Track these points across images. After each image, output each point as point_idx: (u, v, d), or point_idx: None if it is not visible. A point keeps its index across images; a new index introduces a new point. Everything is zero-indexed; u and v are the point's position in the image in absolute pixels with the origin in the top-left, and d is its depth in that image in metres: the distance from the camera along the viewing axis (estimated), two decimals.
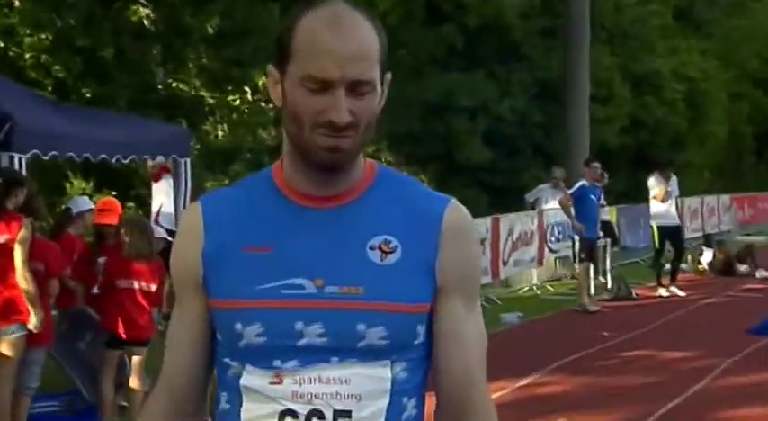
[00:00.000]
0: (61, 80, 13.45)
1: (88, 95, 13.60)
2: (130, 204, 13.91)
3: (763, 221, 25.76)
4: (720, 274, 16.12)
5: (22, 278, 6.03)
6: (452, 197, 1.89)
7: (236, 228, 1.82)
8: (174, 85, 14.78)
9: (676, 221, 14.17)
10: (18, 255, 6.04)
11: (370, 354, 1.77)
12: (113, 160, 8.82)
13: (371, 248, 1.79)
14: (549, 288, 14.58)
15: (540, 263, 15.11)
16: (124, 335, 6.59)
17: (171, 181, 9.92)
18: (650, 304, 13.26)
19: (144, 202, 12.68)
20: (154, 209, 10.96)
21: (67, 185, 13.76)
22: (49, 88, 13.29)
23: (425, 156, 20.34)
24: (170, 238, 8.90)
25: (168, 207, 10.13)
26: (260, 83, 17.04)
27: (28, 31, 13.06)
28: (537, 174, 20.36)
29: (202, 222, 1.85)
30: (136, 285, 6.64)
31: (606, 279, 14.54)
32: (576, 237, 12.92)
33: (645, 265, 17.02)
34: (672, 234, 14.01)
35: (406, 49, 20.44)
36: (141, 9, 14.42)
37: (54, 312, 6.97)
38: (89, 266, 7.01)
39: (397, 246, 1.80)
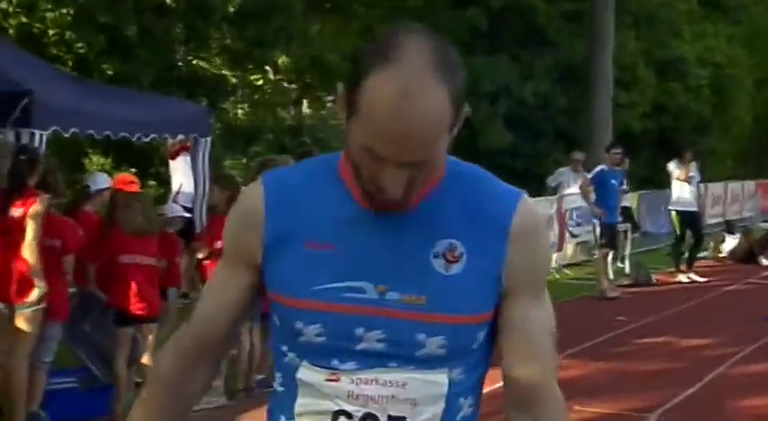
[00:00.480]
0: (83, 56, 13.47)
1: (110, 72, 13.62)
2: (151, 182, 13.95)
3: None
4: (741, 262, 16.01)
5: (27, 250, 6.03)
6: (523, 193, 1.82)
7: (299, 218, 1.77)
8: (195, 63, 14.80)
9: (694, 207, 14.08)
10: (28, 228, 6.03)
11: (429, 362, 1.75)
12: (134, 138, 8.83)
13: (435, 256, 1.74)
14: (568, 272, 14.52)
15: (560, 248, 15.04)
16: (131, 312, 6.60)
17: (188, 159, 9.92)
18: (669, 290, 13.19)
19: (164, 181, 12.71)
20: (174, 187, 10.98)
21: (86, 161, 13.80)
22: (70, 64, 13.31)
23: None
24: (188, 215, 8.94)
25: (188, 186, 10.14)
26: (280, 62, 17.03)
27: (49, 7, 13.07)
28: (559, 158, 20.25)
29: (264, 207, 1.79)
30: (138, 260, 6.64)
31: (626, 264, 14.47)
32: (597, 222, 12.87)
33: (665, 251, 16.94)
34: (690, 220, 13.93)
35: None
36: None
37: (72, 289, 6.98)
38: (101, 242, 7.00)
39: (462, 254, 1.74)
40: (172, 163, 10.96)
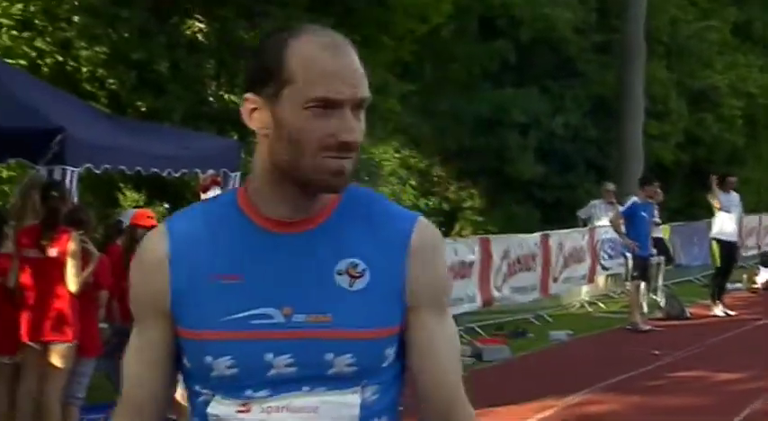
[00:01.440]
0: (115, 93, 13.61)
1: (143, 109, 13.75)
2: None
3: None
4: None
5: (74, 285, 6.10)
6: (419, 214, 1.88)
7: (204, 254, 1.79)
8: (225, 98, 14.89)
9: (733, 238, 13.96)
10: (69, 266, 6.11)
11: (339, 382, 1.76)
12: (164, 173, 8.89)
13: (339, 273, 1.77)
14: (601, 305, 14.41)
15: (591, 280, 14.95)
16: None
17: (219, 193, 9.99)
18: (703, 324, 13.05)
19: None
20: None
21: (120, 197, 13.91)
22: (104, 101, 13.45)
23: (477, 170, 20.27)
24: None
25: None
26: None
27: (83, 45, 13.24)
28: (590, 189, 20.19)
29: (168, 251, 1.80)
30: None
31: (659, 297, 14.35)
32: (629, 255, 12.78)
33: (699, 284, 16.78)
34: (727, 250, 13.82)
35: (458, 63, 20.42)
36: (196, 23, 14.55)
37: (104, 325, 7.02)
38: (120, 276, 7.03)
39: (365, 270, 1.77)
40: (203, 196, 11.03)
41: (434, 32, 17.26)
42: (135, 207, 12.31)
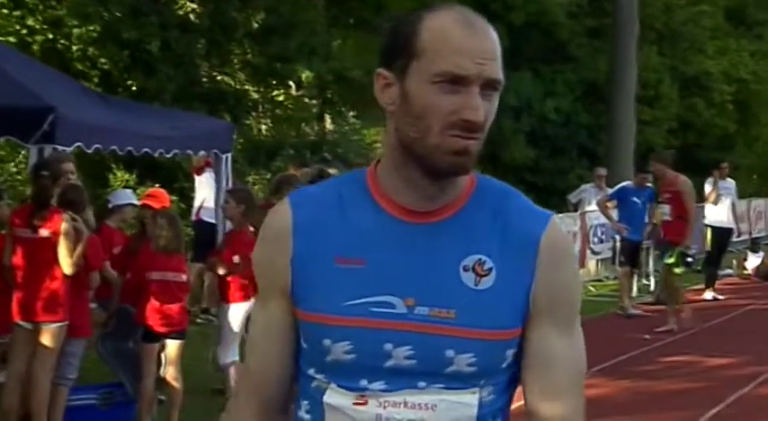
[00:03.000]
0: (107, 72, 13.55)
1: (134, 88, 13.69)
2: (174, 197, 13.98)
3: None
4: (766, 280, 15.87)
5: (67, 266, 6.08)
6: (553, 214, 1.81)
7: (328, 235, 1.75)
8: (218, 79, 14.85)
9: (725, 225, 13.98)
10: (61, 247, 6.09)
11: (458, 380, 1.71)
12: (156, 154, 8.85)
13: (465, 269, 1.72)
14: (591, 289, 14.44)
15: (582, 264, 14.97)
16: (158, 328, 6.60)
17: (213, 175, 9.95)
18: (693, 308, 13.07)
19: (187, 196, 12.75)
20: (196, 203, 11.02)
21: (111, 177, 13.87)
22: (95, 80, 13.39)
23: None
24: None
25: (210, 201, 10.17)
26: (303, 77, 17.06)
27: (75, 23, 13.16)
28: (581, 174, 20.20)
29: (291, 226, 1.77)
30: (168, 277, 6.63)
31: (650, 281, 14.37)
32: (617, 238, 12.78)
33: (689, 269, 16.79)
34: (719, 237, 13.85)
35: None
36: (188, 3, 14.49)
37: (93, 305, 7.00)
38: (129, 258, 7.01)
39: (491, 269, 1.72)
40: (197, 178, 11.01)
41: None
42: (125, 187, 12.27)
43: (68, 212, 6.20)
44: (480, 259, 1.72)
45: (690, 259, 11.16)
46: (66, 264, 6.10)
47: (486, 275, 1.72)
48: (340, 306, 1.71)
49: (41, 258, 6.14)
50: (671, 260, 11.15)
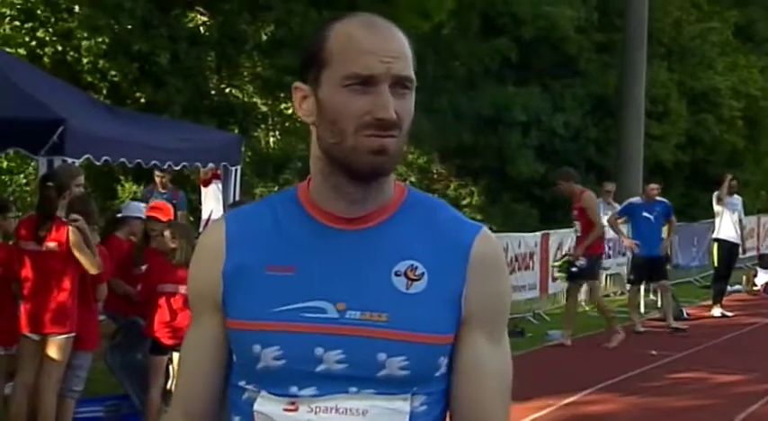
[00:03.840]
0: (116, 84, 13.58)
1: (143, 100, 13.72)
2: (182, 211, 13.99)
3: None
4: None
5: (92, 267, 6.10)
6: (484, 225, 1.84)
7: (260, 246, 1.77)
8: (227, 91, 14.87)
9: (733, 240, 13.95)
10: (80, 257, 6.10)
11: (390, 385, 1.71)
12: (164, 166, 8.86)
13: (397, 274, 1.73)
14: None
15: None
16: (167, 341, 6.59)
17: (220, 186, 9.96)
18: (701, 325, 13.04)
19: (194, 208, 12.75)
20: (204, 215, 11.01)
21: (119, 189, 13.88)
22: (105, 92, 13.41)
23: (477, 168, 20.24)
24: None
25: (218, 213, 10.17)
26: None
27: (85, 35, 13.20)
28: (590, 189, 20.14)
29: (225, 240, 1.80)
30: (181, 289, 6.62)
31: (658, 297, 14.31)
32: (629, 255, 12.75)
33: (697, 285, 16.76)
34: (727, 252, 13.82)
35: (459, 60, 20.38)
36: (198, 16, 14.53)
37: (102, 317, 7.00)
38: (130, 270, 7.01)
39: (423, 274, 1.74)
40: (204, 190, 11.01)
41: (436, 30, 17.24)
42: (132, 199, 12.28)
43: (73, 215, 6.17)
44: (412, 265, 1.74)
45: (574, 269, 11.08)
46: (90, 267, 6.11)
47: (417, 280, 1.73)
48: (270, 312, 1.73)
49: (48, 270, 6.15)
50: (557, 263, 11.28)
